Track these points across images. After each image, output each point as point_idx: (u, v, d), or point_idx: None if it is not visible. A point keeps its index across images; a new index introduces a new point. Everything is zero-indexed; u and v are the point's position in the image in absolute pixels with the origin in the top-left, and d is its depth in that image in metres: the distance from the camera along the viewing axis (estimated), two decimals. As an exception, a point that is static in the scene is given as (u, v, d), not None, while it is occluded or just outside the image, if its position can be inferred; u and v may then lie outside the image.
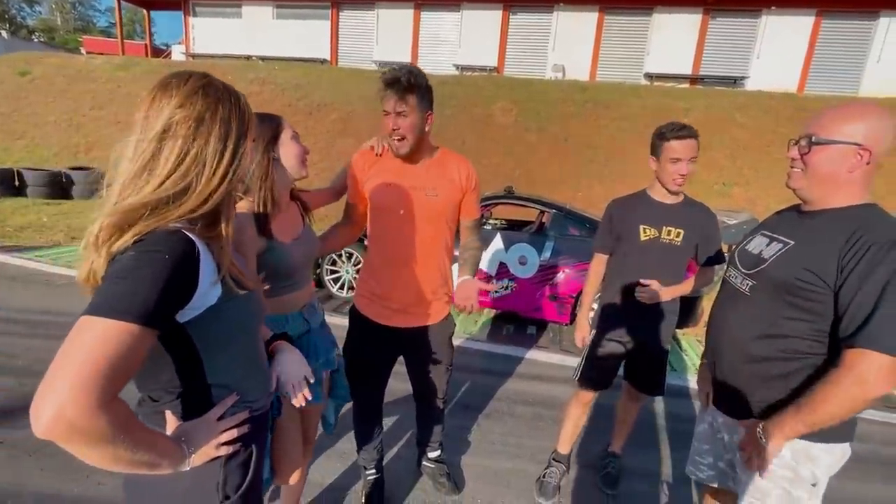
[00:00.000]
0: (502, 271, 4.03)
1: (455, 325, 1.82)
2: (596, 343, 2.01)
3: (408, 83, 1.45)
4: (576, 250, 3.88)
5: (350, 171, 1.67)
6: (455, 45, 12.26)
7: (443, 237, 1.64)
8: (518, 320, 4.25)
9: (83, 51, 22.12)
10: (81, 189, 7.93)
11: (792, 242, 1.13)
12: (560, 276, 3.88)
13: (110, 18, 18.68)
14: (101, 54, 15.30)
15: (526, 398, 2.87)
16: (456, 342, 3.65)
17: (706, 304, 4.11)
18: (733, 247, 1.39)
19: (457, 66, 11.92)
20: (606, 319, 1.99)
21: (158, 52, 17.90)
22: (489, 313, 4.37)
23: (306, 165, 1.43)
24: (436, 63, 12.06)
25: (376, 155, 1.63)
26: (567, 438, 2.14)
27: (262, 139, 1.32)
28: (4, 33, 30.18)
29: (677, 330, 4.12)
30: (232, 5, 13.74)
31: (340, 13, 13.03)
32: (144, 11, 16.72)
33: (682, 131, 1.75)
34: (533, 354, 3.54)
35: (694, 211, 1.88)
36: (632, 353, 1.97)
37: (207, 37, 14.15)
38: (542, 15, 11.81)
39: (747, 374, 1.18)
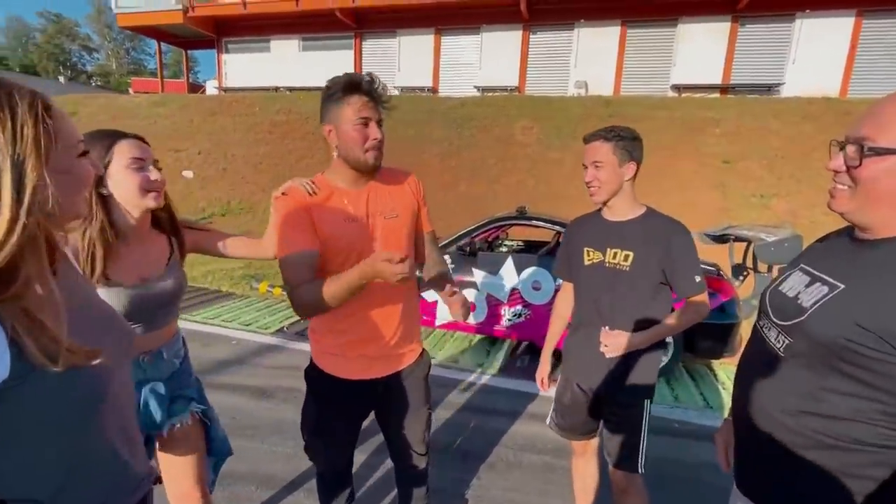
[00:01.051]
0: (514, 298, 3.78)
1: (430, 360, 1.60)
2: (562, 387, 1.74)
3: (383, 90, 1.29)
4: (594, 275, 3.58)
5: (293, 223, 1.28)
6: (475, 68, 12.28)
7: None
8: (533, 351, 3.97)
9: (131, 91, 23.64)
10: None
11: (842, 286, 0.81)
12: (578, 303, 3.59)
13: (163, 60, 19.88)
14: (146, 93, 16.29)
15: (536, 444, 2.58)
16: (463, 377, 3.51)
17: (746, 330, 3.72)
18: (771, 272, 1.09)
19: (477, 88, 11.90)
20: (567, 360, 1.72)
21: (196, 88, 18.86)
22: (501, 344, 4.11)
23: (156, 195, 1.21)
24: (457, 86, 12.11)
25: (310, 194, 1.31)
26: (579, 498, 1.86)
27: None
28: (62, 78, 32.87)
29: (713, 360, 3.73)
30: (261, 41, 14.34)
31: (363, 42, 13.35)
32: (183, 52, 17.71)
33: (594, 132, 1.52)
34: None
35: (652, 228, 1.51)
36: (601, 405, 1.64)
37: (238, 71, 14.78)
38: (563, 32, 11.69)
39: (777, 457, 0.88)
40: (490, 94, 11.38)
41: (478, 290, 3.85)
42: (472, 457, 2.45)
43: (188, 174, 9.71)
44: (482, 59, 12.20)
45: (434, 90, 12.59)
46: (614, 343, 1.48)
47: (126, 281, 1.19)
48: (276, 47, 14.23)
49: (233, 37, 14.60)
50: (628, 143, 1.49)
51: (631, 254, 1.50)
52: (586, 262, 1.59)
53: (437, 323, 4.03)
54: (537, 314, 3.71)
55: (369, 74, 1.26)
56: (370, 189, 1.36)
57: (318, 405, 1.44)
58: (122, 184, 1.15)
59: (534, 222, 3.99)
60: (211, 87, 16.62)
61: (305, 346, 3.75)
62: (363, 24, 13.06)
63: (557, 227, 3.97)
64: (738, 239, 3.79)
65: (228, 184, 9.32)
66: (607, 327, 1.51)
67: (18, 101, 0.57)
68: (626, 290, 1.51)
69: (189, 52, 17.74)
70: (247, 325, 4.26)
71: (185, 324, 4.20)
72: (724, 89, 10.72)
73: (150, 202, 1.20)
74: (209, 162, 9.91)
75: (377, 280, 1.15)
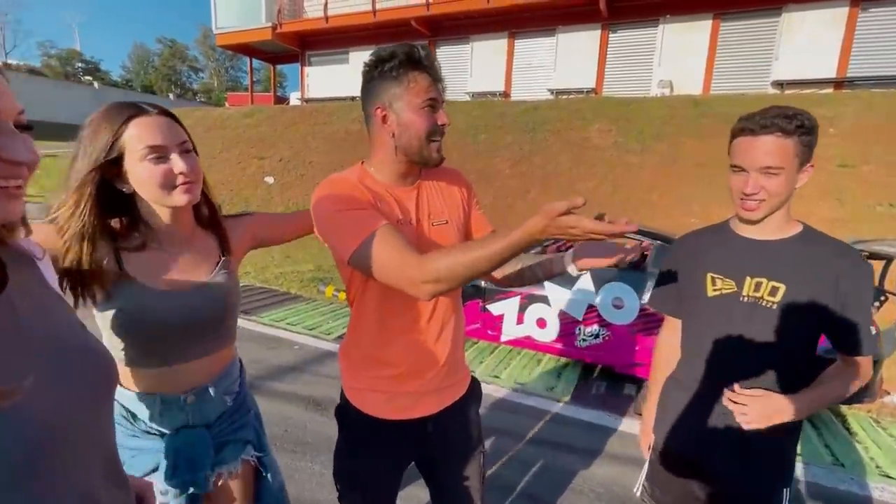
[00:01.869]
0: (591, 316, 3.39)
1: (481, 391, 1.33)
2: (661, 454, 1.31)
3: (438, 66, 1.05)
4: (686, 293, 3.10)
5: (356, 202, 1.00)
6: (550, 70, 11.84)
7: (458, 295, 1.23)
8: (612, 376, 3.54)
9: (227, 105, 25.89)
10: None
11: None
12: (665, 326, 3.13)
13: (256, 75, 21.74)
14: (238, 106, 17.67)
15: (617, 492, 2.21)
16: (530, 402, 3.17)
17: (889, 369, 3.02)
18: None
19: (552, 91, 11.46)
20: (667, 422, 1.28)
21: (282, 100, 20.15)
22: (574, 367, 3.72)
23: (186, 189, 0.95)
24: (530, 89, 11.76)
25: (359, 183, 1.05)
26: None
27: (93, 157, 0.88)
28: (172, 96, 36.89)
29: (843, 405, 3.07)
30: (340, 53, 14.95)
31: (437, 49, 13.42)
32: (270, 66, 19.02)
33: (763, 119, 1.03)
34: (628, 425, 2.83)
35: (815, 254, 1.08)
36: (721, 494, 1.19)
37: (319, 83, 15.51)
38: (646, 30, 10.90)
39: None
40: (565, 96, 10.89)
41: (549, 305, 3.51)
42: (541, 502, 2.13)
43: (269, 180, 10.25)
44: (557, 61, 11.74)
45: (506, 94, 12.33)
46: (760, 408, 1.02)
47: (157, 283, 0.97)
48: (355, 58, 14.75)
49: (315, 50, 15.36)
50: (812, 136, 1.04)
51: (782, 286, 1.08)
52: (710, 294, 1.17)
53: (503, 339, 3.74)
54: (617, 336, 3.30)
55: (424, 47, 1.02)
56: (420, 188, 1.13)
57: (353, 451, 1.20)
58: (141, 180, 0.91)
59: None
60: (294, 99, 17.63)
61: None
62: (437, 32, 13.14)
63: (640, 238, 3.52)
64: (872, 256, 3.11)
65: (305, 189, 9.69)
66: (738, 385, 1.09)
67: None
68: (769, 336, 1.09)
69: (277, 67, 19.00)
70: (310, 330, 4.25)
71: (251, 325, 4.28)
72: (839, 83, 9.35)
73: (180, 199, 0.94)
74: (289, 168, 10.39)
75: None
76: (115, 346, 0.96)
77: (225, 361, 1.11)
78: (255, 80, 21.09)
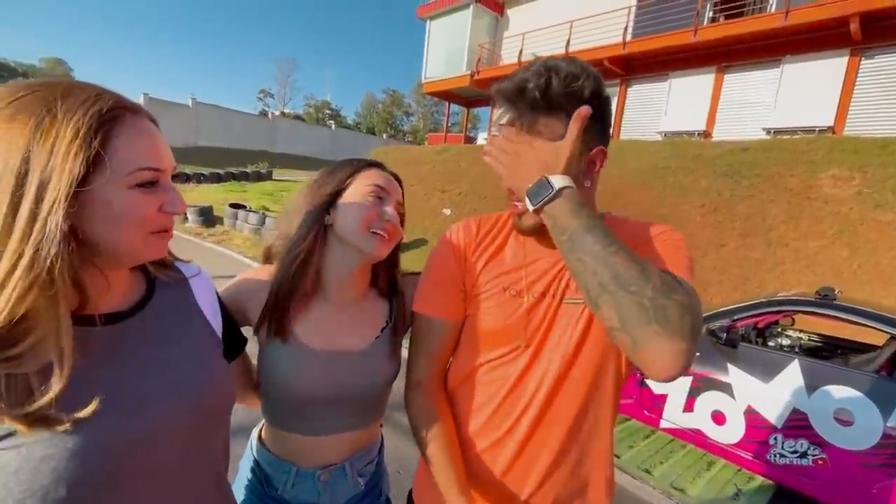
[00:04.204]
0: (798, 425, 2.50)
1: None
2: None
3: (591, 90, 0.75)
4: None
5: (444, 261, 0.89)
6: (768, 107, 10.00)
7: (610, 373, 0.81)
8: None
9: (426, 143, 29.29)
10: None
11: None
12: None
13: (453, 119, 24.28)
14: (434, 145, 19.79)
15: None
16: None
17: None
18: None
19: (768, 130, 9.63)
20: None
21: (471, 140, 21.81)
22: (759, 486, 2.77)
23: (381, 240, 0.88)
24: (737, 128, 10.14)
25: (488, 232, 0.90)
26: None
27: (320, 196, 0.89)
28: (385, 136, 43.53)
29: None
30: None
31: (628, 88, 12.72)
32: (465, 110, 20.84)
33: None
34: None
35: None
36: None
37: (505, 124, 16.28)
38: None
39: None
40: (786, 136, 9.01)
41: (733, 397, 2.73)
42: None
43: (447, 211, 10.98)
44: (779, 96, 9.84)
45: (707, 134, 10.85)
46: None
47: (312, 342, 0.88)
48: (541, 100, 15.05)
49: (504, 94, 16.25)
50: None
51: None
52: None
53: (663, 425, 3.05)
54: (838, 463, 2.35)
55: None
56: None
57: None
58: (348, 212, 0.87)
59: (847, 315, 2.61)
60: (481, 139, 18.86)
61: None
62: (631, 71, 12.47)
63: (893, 330, 2.48)
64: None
65: (475, 223, 10.08)
66: None
67: (76, 108, 0.50)
68: None
69: (472, 110, 20.70)
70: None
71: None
72: None
73: (371, 246, 0.87)
74: (466, 202, 10.98)
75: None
76: (263, 397, 0.94)
77: (367, 439, 0.98)
78: (452, 122, 23.32)
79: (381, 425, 1.05)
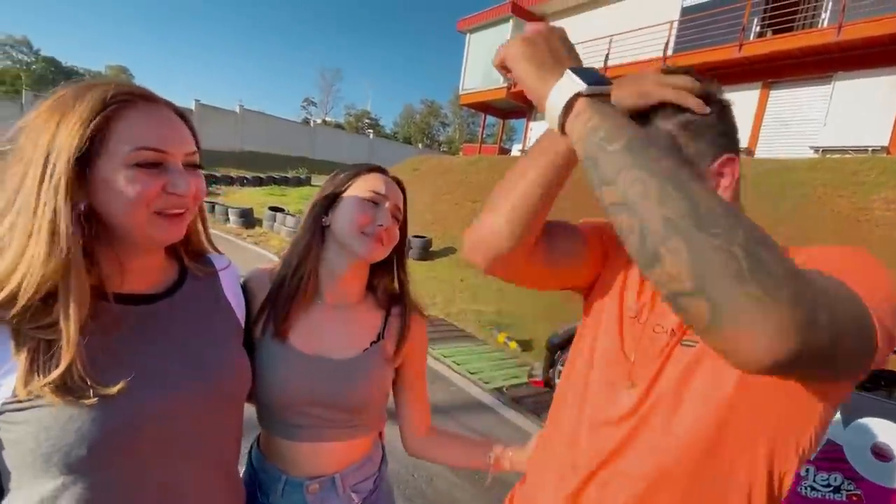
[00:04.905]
0: (832, 456, 2.38)
1: None
2: None
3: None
4: None
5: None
6: (817, 124, 9.57)
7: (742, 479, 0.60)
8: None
9: (461, 154, 29.52)
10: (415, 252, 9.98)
11: None
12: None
13: (488, 130, 24.47)
14: (469, 155, 19.95)
15: None
16: None
17: None
18: None
19: (816, 149, 9.21)
20: None
21: (505, 151, 21.83)
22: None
23: (373, 243, 0.88)
24: (783, 146, 9.74)
25: None
26: None
27: (320, 198, 0.93)
28: (420, 145, 44.18)
29: None
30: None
31: (668, 103, 12.48)
32: (501, 121, 20.92)
33: None
34: None
35: None
36: None
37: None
38: None
39: None
40: (836, 154, 8.59)
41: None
42: None
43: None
44: (829, 113, 9.41)
45: (750, 152, 10.48)
46: None
47: (303, 346, 0.88)
48: (577, 113, 14.95)
49: (541, 106, 16.21)
50: None
51: None
52: None
53: None
54: (874, 500, 2.22)
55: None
56: None
57: None
58: (344, 213, 0.89)
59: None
60: (515, 150, 18.84)
61: (517, 418, 3.38)
62: (672, 85, 12.24)
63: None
64: None
65: (505, 234, 10.04)
66: None
67: (87, 97, 0.56)
68: None
69: (507, 122, 20.76)
70: (472, 374, 4.22)
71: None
72: None
73: (362, 246, 0.88)
74: (495, 213, 10.98)
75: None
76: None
77: (359, 452, 0.93)
78: (487, 133, 23.44)
79: (382, 444, 1.02)
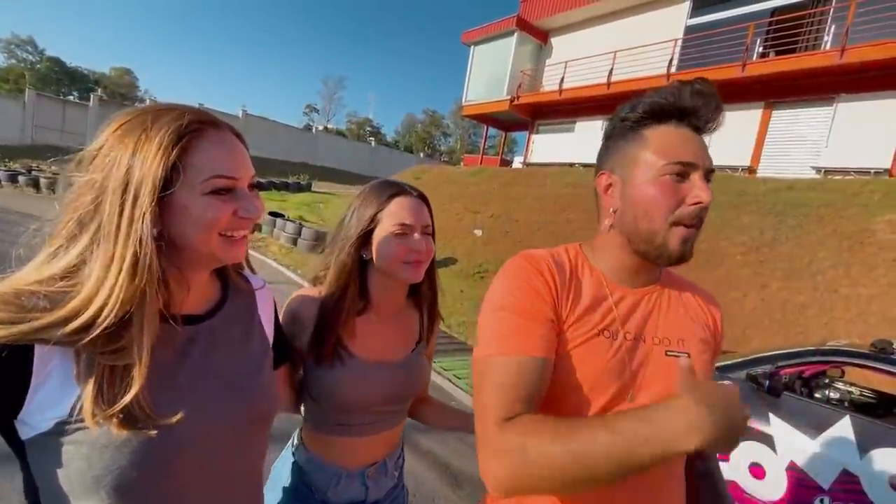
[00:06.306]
0: (847, 488, 2.31)
1: None
2: None
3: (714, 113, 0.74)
4: None
5: (521, 300, 0.73)
6: (819, 145, 9.64)
7: None
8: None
9: (462, 164, 29.64)
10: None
11: None
12: None
13: (490, 142, 24.63)
14: (470, 166, 20.00)
15: None
16: None
17: None
18: None
19: (818, 169, 9.25)
20: None
21: (506, 162, 21.91)
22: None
23: (414, 267, 0.99)
24: (784, 166, 9.80)
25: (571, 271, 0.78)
26: None
27: (353, 236, 0.99)
28: (422, 154, 44.37)
29: None
30: (567, 122, 15.44)
31: (670, 120, 12.55)
32: (503, 133, 21.00)
33: None
34: None
35: None
36: None
37: (543, 149, 16.24)
38: None
39: None
40: (838, 175, 8.62)
41: (774, 450, 2.56)
42: None
43: (478, 232, 10.98)
44: (832, 135, 9.47)
45: (752, 170, 10.52)
46: None
47: (368, 356, 1.00)
48: (581, 127, 15.00)
49: (545, 119, 16.24)
50: None
51: None
52: None
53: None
54: (892, 534, 2.14)
55: (701, 80, 0.73)
56: (653, 296, 0.79)
57: None
58: (381, 251, 0.98)
59: (905, 371, 2.42)
60: (517, 162, 18.90)
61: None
62: (674, 102, 12.32)
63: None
64: None
65: (508, 245, 10.00)
66: None
67: (161, 126, 0.57)
68: None
69: (509, 134, 20.84)
70: (472, 388, 4.13)
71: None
72: None
73: (406, 273, 0.99)
74: (497, 224, 10.96)
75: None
76: (305, 405, 1.04)
77: (399, 435, 1.12)
78: (489, 145, 23.54)
79: None
